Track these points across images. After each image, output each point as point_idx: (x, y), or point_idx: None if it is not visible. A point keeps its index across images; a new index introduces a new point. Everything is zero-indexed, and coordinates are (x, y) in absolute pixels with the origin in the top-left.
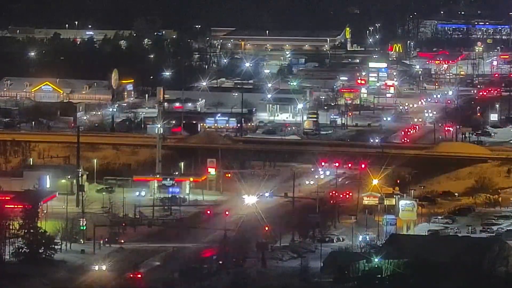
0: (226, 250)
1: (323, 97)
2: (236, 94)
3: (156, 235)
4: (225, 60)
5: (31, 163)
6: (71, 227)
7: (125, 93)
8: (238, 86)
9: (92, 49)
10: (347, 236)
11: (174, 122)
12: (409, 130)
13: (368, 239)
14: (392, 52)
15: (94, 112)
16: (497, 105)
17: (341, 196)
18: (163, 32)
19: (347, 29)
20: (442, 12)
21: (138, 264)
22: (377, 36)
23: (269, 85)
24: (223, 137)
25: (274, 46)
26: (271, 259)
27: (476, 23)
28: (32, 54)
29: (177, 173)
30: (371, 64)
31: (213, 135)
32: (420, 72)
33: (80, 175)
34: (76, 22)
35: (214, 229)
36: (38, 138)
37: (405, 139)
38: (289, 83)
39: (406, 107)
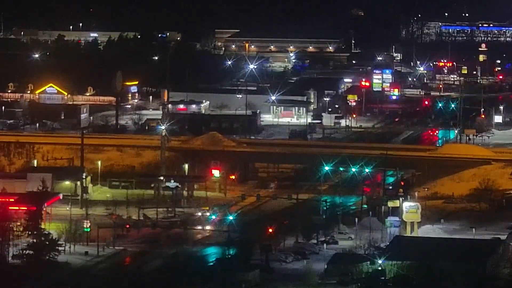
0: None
1: (327, 99)
2: (240, 96)
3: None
4: (229, 62)
5: (35, 165)
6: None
7: (129, 95)
8: (242, 88)
9: (96, 51)
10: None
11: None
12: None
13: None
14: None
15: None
16: (501, 107)
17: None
18: (167, 34)
19: None
20: (446, 14)
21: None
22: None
23: (273, 86)
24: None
25: (278, 48)
26: (274, 261)
27: (480, 25)
28: (36, 56)
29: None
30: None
31: (217, 137)
32: (424, 74)
33: (84, 177)
34: (80, 24)
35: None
36: (42, 140)
37: None
38: (293, 84)
39: None
